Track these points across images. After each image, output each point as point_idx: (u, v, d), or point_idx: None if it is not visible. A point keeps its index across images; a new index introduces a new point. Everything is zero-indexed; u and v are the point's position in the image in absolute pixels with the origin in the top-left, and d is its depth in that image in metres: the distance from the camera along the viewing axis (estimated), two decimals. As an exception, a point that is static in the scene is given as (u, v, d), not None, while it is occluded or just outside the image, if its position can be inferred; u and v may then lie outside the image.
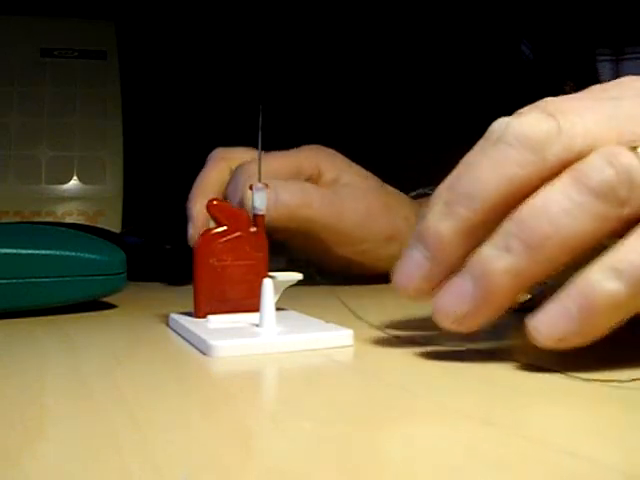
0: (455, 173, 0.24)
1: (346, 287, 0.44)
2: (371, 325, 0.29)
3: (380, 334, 0.28)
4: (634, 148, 0.21)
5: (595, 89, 0.25)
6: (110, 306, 0.38)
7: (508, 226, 0.22)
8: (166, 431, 0.17)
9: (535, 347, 0.21)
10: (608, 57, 0.54)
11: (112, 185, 0.74)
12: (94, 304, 0.37)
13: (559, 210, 0.21)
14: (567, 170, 0.22)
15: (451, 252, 0.23)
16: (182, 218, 0.47)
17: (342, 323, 0.28)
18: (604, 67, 0.54)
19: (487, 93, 0.77)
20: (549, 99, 0.24)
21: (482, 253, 0.22)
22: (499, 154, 0.23)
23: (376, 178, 0.49)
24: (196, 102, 0.84)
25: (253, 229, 0.30)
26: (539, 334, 0.21)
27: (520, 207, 0.22)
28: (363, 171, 0.48)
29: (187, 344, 0.27)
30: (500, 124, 0.24)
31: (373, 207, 0.47)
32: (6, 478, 0.14)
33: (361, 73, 0.87)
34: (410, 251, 0.24)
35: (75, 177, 0.73)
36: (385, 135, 0.85)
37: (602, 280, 0.20)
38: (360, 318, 0.28)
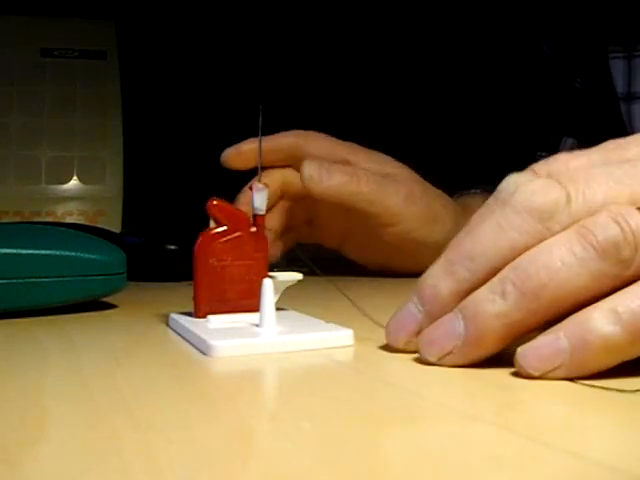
0: (462, 233, 0.24)
1: (348, 284, 0.44)
2: (376, 323, 0.29)
3: (380, 334, 0.28)
4: None
5: (609, 147, 0.25)
6: (110, 306, 0.38)
7: (507, 272, 0.22)
8: (166, 431, 0.17)
9: None
10: (620, 54, 0.53)
11: (112, 185, 0.74)
12: (94, 304, 0.37)
13: (559, 263, 0.21)
14: (574, 225, 0.22)
15: (445, 310, 0.23)
16: (181, 218, 0.47)
17: (342, 323, 0.28)
18: (616, 64, 0.54)
19: (506, 90, 0.77)
20: (561, 158, 0.25)
21: (477, 295, 0.22)
22: (504, 219, 0.23)
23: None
24: (196, 102, 0.84)
25: (253, 229, 0.30)
26: (526, 362, 0.21)
27: (522, 256, 0.22)
28: (400, 163, 0.52)
29: (187, 344, 0.27)
30: (509, 186, 0.24)
31: (414, 190, 0.50)
32: (7, 479, 0.14)
33: (367, 72, 0.87)
34: (407, 303, 0.25)
35: (75, 177, 0.73)
36: (392, 134, 0.85)
37: (600, 322, 0.20)
38: (370, 318, 0.28)
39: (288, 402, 0.20)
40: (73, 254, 0.35)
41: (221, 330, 0.27)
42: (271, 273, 0.29)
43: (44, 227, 0.41)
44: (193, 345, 0.27)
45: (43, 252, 0.34)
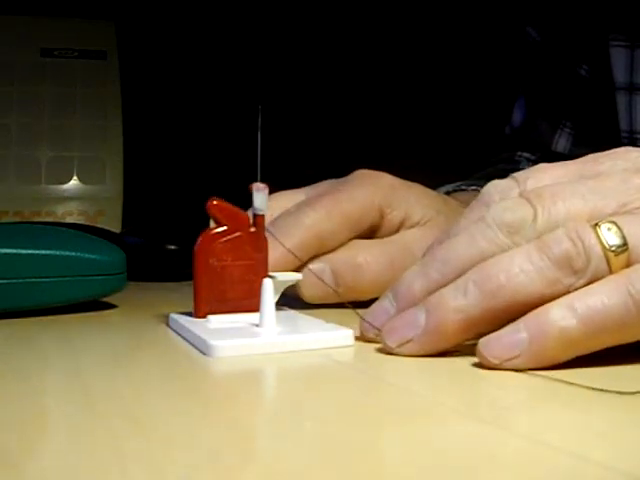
0: (437, 241, 0.27)
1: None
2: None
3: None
4: (596, 225, 0.23)
5: (588, 160, 0.27)
6: (110, 306, 0.38)
7: (470, 273, 0.24)
8: (166, 431, 0.17)
9: None
10: (622, 43, 0.53)
11: (112, 185, 0.74)
12: (94, 304, 0.37)
13: (517, 268, 0.23)
14: (535, 240, 0.24)
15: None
16: (181, 218, 0.47)
17: (342, 323, 0.28)
18: (619, 53, 0.53)
19: (491, 76, 0.77)
20: (541, 169, 0.27)
21: (442, 291, 0.25)
22: (477, 231, 0.25)
23: (447, 208, 0.41)
24: (196, 102, 0.84)
25: (253, 229, 0.30)
26: (487, 350, 0.23)
27: (486, 261, 0.24)
28: (433, 202, 0.40)
29: (187, 344, 0.27)
30: (490, 193, 0.27)
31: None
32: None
33: (361, 67, 0.87)
34: (382, 299, 0.27)
35: (75, 177, 0.73)
36: (387, 132, 0.85)
37: (557, 315, 0.22)
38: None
39: (288, 402, 0.20)
40: (73, 254, 0.35)
41: (221, 330, 0.27)
42: (271, 273, 0.29)
43: (44, 227, 0.41)
44: (193, 345, 0.27)
45: (43, 252, 0.34)
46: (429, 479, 0.14)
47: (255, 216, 0.30)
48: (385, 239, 0.37)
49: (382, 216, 0.37)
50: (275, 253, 0.32)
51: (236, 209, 0.31)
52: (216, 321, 0.29)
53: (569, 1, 0.58)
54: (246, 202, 0.30)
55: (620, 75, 0.53)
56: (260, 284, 0.27)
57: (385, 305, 0.27)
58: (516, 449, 0.15)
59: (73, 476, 0.14)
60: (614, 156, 0.27)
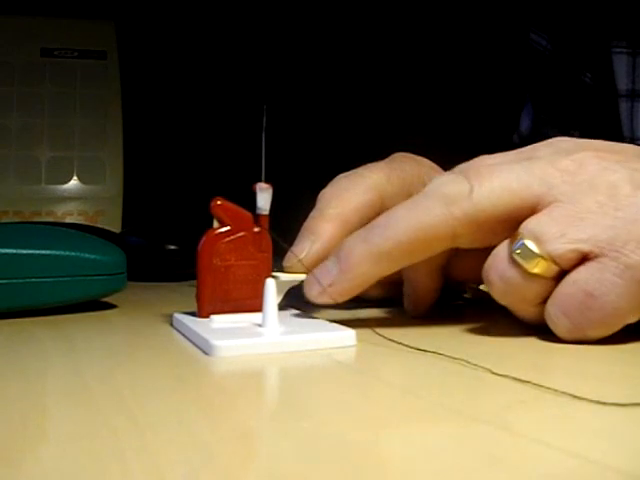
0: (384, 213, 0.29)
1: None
2: (372, 329, 0.28)
3: (381, 336, 0.28)
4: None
5: (527, 148, 0.29)
6: (110, 306, 0.38)
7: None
8: (166, 431, 0.17)
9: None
10: (625, 50, 0.53)
11: (112, 185, 0.74)
12: (94, 304, 0.37)
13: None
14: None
15: (357, 270, 0.28)
16: (181, 218, 0.47)
17: (346, 323, 0.28)
18: (621, 60, 0.53)
19: (499, 84, 0.76)
20: (482, 158, 0.29)
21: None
22: (416, 200, 0.28)
23: None
24: (196, 102, 0.84)
25: (257, 229, 0.30)
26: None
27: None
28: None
29: (188, 344, 0.27)
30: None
31: None
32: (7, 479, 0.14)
33: (367, 70, 0.87)
34: (327, 261, 0.29)
35: (75, 177, 0.73)
36: (392, 134, 0.84)
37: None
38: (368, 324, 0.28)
39: (289, 402, 0.20)
40: (73, 254, 0.35)
41: (224, 330, 0.27)
42: (274, 273, 0.29)
43: (44, 227, 0.41)
44: (195, 345, 0.27)
45: (43, 252, 0.34)
46: (429, 479, 0.14)
47: (258, 216, 0.30)
48: None
49: None
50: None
51: (240, 209, 0.30)
52: (219, 321, 0.29)
53: (573, 8, 0.58)
54: (248, 202, 0.30)
55: (622, 82, 0.53)
56: (263, 284, 0.27)
57: (328, 266, 0.29)
58: (516, 449, 0.15)
59: (73, 476, 0.14)
60: (548, 144, 0.29)
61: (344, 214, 0.34)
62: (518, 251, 0.26)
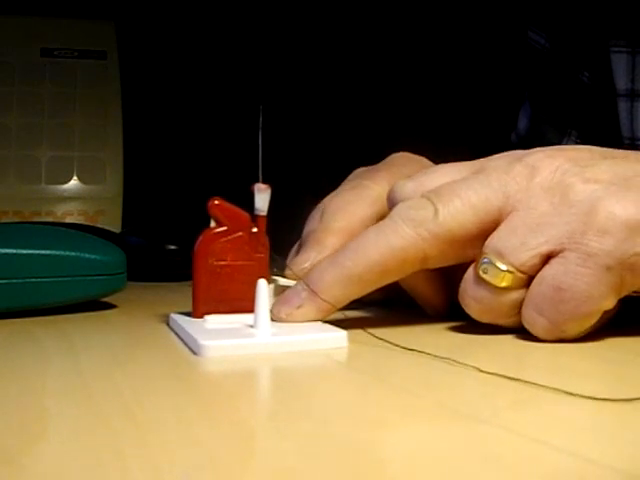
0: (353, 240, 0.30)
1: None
2: (364, 329, 0.29)
3: (375, 337, 0.28)
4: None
5: (480, 160, 0.30)
6: (110, 306, 0.38)
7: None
8: (166, 431, 0.17)
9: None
10: (624, 49, 0.53)
11: (112, 185, 0.74)
12: (94, 304, 0.37)
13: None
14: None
15: (327, 293, 0.28)
16: (181, 218, 0.47)
17: (336, 324, 0.28)
18: (620, 59, 0.53)
19: (496, 82, 0.76)
20: (428, 175, 0.31)
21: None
22: (385, 225, 0.28)
23: None
24: (196, 102, 0.84)
25: (254, 230, 0.30)
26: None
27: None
28: None
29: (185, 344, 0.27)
30: (397, 194, 0.31)
31: None
32: (7, 479, 0.14)
33: (364, 69, 0.87)
34: (297, 284, 0.30)
35: (75, 177, 0.73)
36: (389, 133, 0.84)
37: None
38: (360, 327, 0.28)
39: (287, 402, 0.20)
40: (73, 254, 0.35)
41: (215, 330, 0.27)
42: (273, 277, 0.29)
43: (44, 227, 0.41)
44: (186, 344, 0.27)
45: (43, 252, 0.34)
46: (428, 479, 0.14)
47: (256, 217, 0.30)
48: None
49: None
50: None
51: (238, 209, 0.30)
52: (213, 321, 0.28)
53: (571, 7, 0.58)
54: (246, 202, 0.30)
55: (621, 82, 0.53)
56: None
57: (297, 288, 0.29)
58: (516, 449, 0.15)
59: (73, 476, 0.14)
60: (501, 155, 0.30)
61: (349, 227, 0.35)
62: (484, 269, 0.27)
